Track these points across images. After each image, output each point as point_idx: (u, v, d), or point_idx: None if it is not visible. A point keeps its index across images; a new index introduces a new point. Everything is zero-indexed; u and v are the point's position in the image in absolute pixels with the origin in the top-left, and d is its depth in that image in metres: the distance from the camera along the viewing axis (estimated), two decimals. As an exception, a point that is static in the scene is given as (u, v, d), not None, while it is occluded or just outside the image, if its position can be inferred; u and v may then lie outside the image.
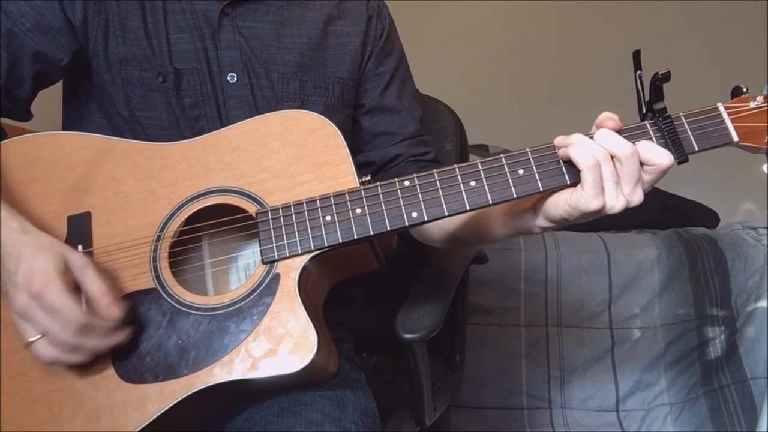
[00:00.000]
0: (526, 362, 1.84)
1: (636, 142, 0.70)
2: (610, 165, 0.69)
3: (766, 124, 0.72)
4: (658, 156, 0.69)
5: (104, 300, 0.70)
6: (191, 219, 0.80)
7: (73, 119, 0.96)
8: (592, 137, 0.71)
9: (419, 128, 1.07)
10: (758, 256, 1.84)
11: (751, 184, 2.47)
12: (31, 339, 0.68)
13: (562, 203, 0.72)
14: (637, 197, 0.70)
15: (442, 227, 0.93)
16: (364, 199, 0.76)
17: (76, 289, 0.70)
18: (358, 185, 0.78)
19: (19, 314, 0.68)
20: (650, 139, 0.73)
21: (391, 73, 1.05)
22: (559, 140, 0.73)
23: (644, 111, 0.74)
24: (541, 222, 0.76)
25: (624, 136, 0.71)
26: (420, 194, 0.75)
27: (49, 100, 0.97)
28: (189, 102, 0.91)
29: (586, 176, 0.69)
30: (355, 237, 0.75)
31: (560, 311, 1.87)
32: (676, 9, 2.61)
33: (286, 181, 0.80)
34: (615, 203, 0.69)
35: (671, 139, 0.72)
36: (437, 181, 0.75)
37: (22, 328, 0.69)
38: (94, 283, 0.71)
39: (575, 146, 0.70)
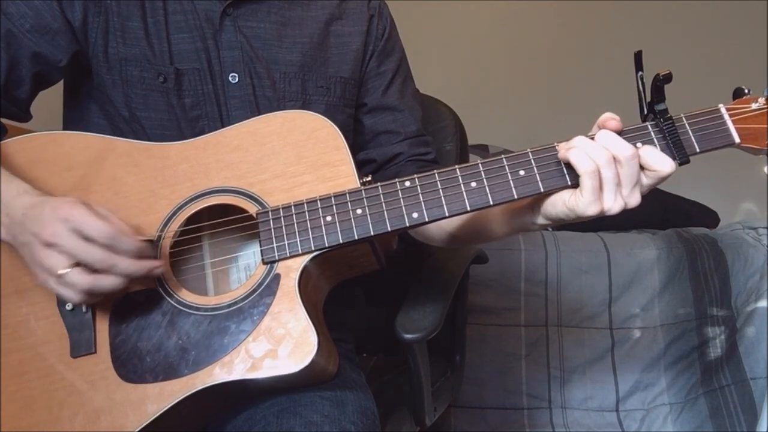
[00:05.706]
0: (526, 362, 1.84)
1: (639, 146, 0.70)
2: (613, 168, 0.68)
3: (767, 126, 0.72)
4: (660, 163, 0.69)
5: (128, 232, 0.72)
6: (192, 219, 0.80)
7: (73, 119, 0.96)
8: (592, 138, 0.71)
9: (420, 128, 1.07)
10: (758, 256, 1.84)
11: (751, 184, 2.47)
12: (62, 270, 0.69)
13: (560, 204, 0.72)
14: (634, 199, 0.70)
15: (441, 227, 0.93)
16: (364, 200, 0.76)
17: None
18: (359, 186, 0.78)
19: (49, 242, 0.69)
20: (651, 140, 0.73)
21: (392, 72, 1.05)
22: (561, 145, 0.73)
23: (645, 112, 0.74)
24: (539, 220, 0.76)
25: (625, 137, 0.71)
26: (421, 195, 0.75)
27: (49, 100, 0.97)
28: (190, 102, 0.91)
29: (585, 182, 0.69)
30: (356, 237, 0.75)
31: (560, 311, 1.87)
32: (677, 9, 2.61)
33: (287, 182, 0.79)
34: (612, 205, 0.69)
35: (672, 141, 0.72)
36: (438, 182, 0.75)
37: (51, 262, 0.69)
38: (118, 222, 0.72)
39: (575, 150, 0.70)
